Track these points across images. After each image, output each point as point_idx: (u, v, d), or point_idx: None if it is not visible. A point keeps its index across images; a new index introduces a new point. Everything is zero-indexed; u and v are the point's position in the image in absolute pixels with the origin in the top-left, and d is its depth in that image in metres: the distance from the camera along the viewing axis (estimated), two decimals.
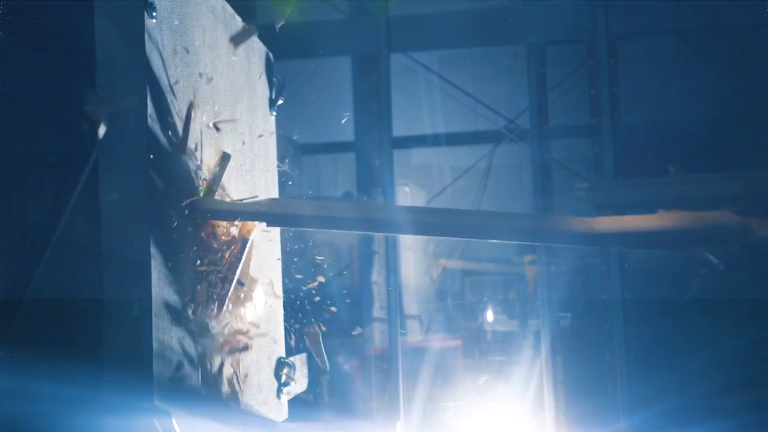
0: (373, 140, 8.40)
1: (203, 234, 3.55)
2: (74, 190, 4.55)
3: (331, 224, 3.79)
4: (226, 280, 3.58)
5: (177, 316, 3.25)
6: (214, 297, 3.54)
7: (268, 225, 3.82)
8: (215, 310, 3.56)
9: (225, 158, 3.71)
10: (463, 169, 9.49)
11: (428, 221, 3.74)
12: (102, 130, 3.07)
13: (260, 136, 4.36)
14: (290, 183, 4.92)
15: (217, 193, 3.66)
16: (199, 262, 3.48)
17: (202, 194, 3.55)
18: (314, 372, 4.83)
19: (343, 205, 3.71)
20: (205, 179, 3.59)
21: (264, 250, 4.18)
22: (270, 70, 4.60)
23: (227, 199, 3.75)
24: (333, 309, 4.95)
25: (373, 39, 8.31)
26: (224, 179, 3.74)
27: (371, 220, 3.77)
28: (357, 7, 8.69)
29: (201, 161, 3.58)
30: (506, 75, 9.69)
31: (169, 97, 3.33)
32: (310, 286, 4.74)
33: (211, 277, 3.51)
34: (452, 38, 8.39)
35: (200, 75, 3.63)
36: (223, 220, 3.62)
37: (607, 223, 3.69)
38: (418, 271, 9.76)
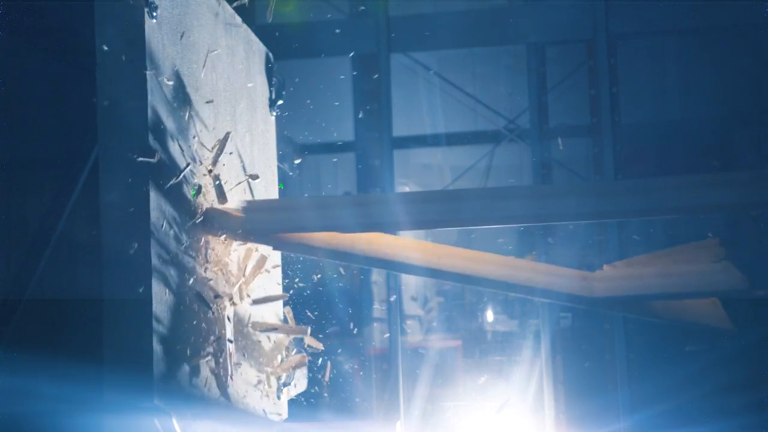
0: (373, 140, 8.40)
1: (205, 236, 3.55)
2: (74, 190, 4.56)
3: (343, 258, 3.58)
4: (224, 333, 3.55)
5: (177, 316, 3.25)
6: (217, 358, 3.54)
7: (274, 249, 3.77)
8: (229, 374, 3.55)
9: (225, 137, 3.70)
10: (463, 169, 9.46)
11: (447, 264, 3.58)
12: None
13: (260, 123, 4.36)
14: (291, 174, 4.88)
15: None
16: (198, 263, 3.48)
17: (198, 192, 3.54)
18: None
19: (358, 238, 3.60)
20: (205, 175, 3.59)
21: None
22: (270, 70, 4.60)
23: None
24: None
25: (373, 39, 8.31)
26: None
27: (388, 260, 3.57)
28: (357, 7, 8.68)
29: (201, 161, 3.58)
30: (506, 75, 9.67)
31: (169, 97, 3.33)
32: None
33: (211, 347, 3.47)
34: (452, 38, 8.38)
35: (200, 75, 3.63)
36: (228, 235, 3.58)
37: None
38: None
